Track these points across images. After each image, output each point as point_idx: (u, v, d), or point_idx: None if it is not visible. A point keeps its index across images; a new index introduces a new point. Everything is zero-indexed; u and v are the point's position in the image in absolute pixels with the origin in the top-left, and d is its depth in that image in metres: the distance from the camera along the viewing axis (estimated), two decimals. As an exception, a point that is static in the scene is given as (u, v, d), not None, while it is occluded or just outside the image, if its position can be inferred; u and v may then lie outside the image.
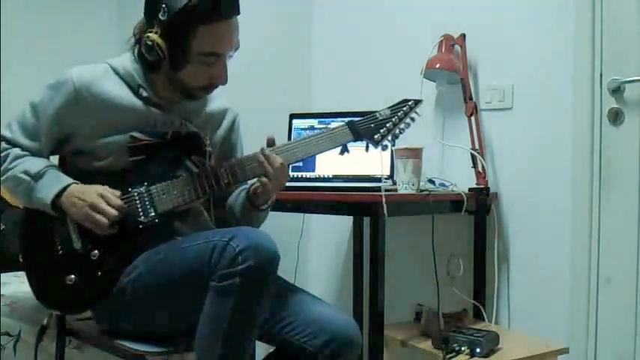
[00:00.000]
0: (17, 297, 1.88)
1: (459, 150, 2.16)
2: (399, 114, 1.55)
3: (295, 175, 2.18)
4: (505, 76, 2.14)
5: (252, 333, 1.29)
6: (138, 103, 1.47)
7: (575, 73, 1.98)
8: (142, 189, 1.43)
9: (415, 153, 1.89)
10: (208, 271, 1.26)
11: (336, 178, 2.16)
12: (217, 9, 1.37)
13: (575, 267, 1.98)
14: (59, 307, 1.50)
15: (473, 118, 2.10)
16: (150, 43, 1.39)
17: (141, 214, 1.42)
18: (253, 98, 2.38)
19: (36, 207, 1.44)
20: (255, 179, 1.49)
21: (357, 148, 1.56)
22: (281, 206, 1.80)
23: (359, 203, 1.81)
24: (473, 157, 2.10)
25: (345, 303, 2.50)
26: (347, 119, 1.56)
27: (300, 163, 2.13)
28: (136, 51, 1.48)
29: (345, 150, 1.53)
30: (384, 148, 1.56)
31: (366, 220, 2.20)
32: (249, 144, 1.62)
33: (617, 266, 1.90)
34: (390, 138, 1.54)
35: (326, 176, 2.18)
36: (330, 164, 2.16)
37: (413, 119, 1.58)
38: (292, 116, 2.29)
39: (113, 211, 1.37)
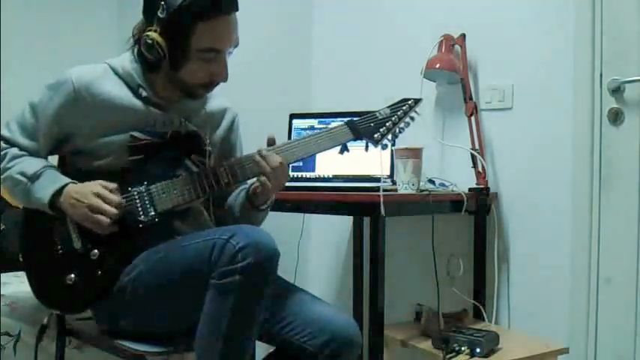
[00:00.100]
0: (17, 297, 1.88)
1: (459, 150, 2.16)
2: (399, 113, 1.55)
3: (295, 175, 2.18)
4: (505, 76, 2.14)
5: (252, 332, 1.29)
6: (137, 102, 1.47)
7: (575, 73, 1.98)
8: (142, 188, 1.43)
9: (415, 153, 1.89)
10: (208, 269, 1.26)
11: (336, 178, 2.16)
12: (216, 5, 1.37)
13: (575, 267, 1.98)
14: (59, 306, 1.50)
15: (473, 118, 2.10)
16: (150, 41, 1.39)
17: (141, 213, 1.42)
18: (253, 98, 2.38)
19: (34, 207, 1.44)
20: (255, 179, 1.49)
21: (356, 147, 1.56)
22: (281, 206, 1.80)
23: (359, 203, 1.81)
24: (473, 157, 2.10)
25: (345, 303, 2.50)
26: (347, 119, 1.56)
27: (300, 163, 2.13)
28: (135, 51, 1.48)
29: (344, 149, 1.53)
30: (384, 147, 1.56)
31: (366, 220, 2.20)
32: (249, 144, 1.62)
33: (617, 266, 1.90)
34: (389, 137, 1.55)
35: (326, 176, 2.18)
36: (330, 164, 2.16)
37: (412, 118, 1.58)
38: (292, 116, 2.29)
39: (113, 210, 1.37)
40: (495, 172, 2.15)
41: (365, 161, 2.05)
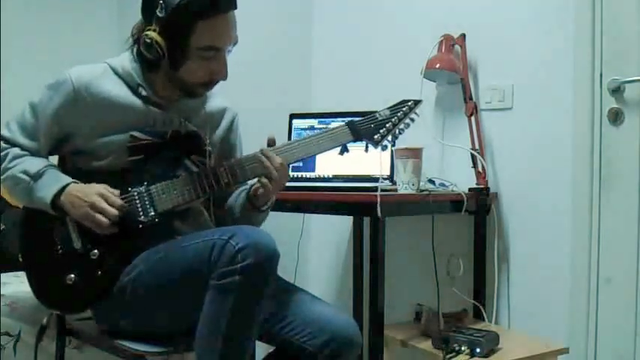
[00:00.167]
0: (17, 297, 1.88)
1: (459, 150, 2.16)
2: (399, 114, 1.55)
3: (295, 175, 2.18)
4: (505, 76, 2.14)
5: (251, 332, 1.29)
6: (137, 102, 1.47)
7: (575, 73, 1.98)
8: (142, 188, 1.43)
9: (415, 153, 1.89)
10: (208, 269, 1.26)
11: (336, 178, 2.16)
12: (215, 3, 1.37)
13: (575, 267, 1.98)
14: (59, 306, 1.50)
15: (473, 118, 2.10)
16: (149, 41, 1.39)
17: (141, 213, 1.42)
18: (253, 98, 2.38)
19: (35, 206, 1.44)
20: (256, 180, 1.49)
21: (356, 148, 1.56)
22: (281, 206, 1.80)
23: (359, 203, 1.81)
24: (473, 157, 2.10)
25: (345, 303, 2.50)
26: (347, 119, 1.56)
27: (300, 163, 2.13)
28: (134, 51, 1.48)
29: (344, 150, 1.53)
30: (384, 148, 1.56)
31: (366, 220, 2.20)
32: (249, 144, 1.62)
33: (617, 266, 1.90)
34: (389, 138, 1.54)
35: (326, 176, 2.17)
36: (330, 164, 2.16)
37: (412, 119, 1.58)
38: (292, 116, 2.29)
39: (114, 211, 1.37)
40: (495, 172, 2.15)
41: (365, 161, 2.05)
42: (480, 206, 2.06)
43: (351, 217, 2.51)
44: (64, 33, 2.96)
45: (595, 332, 1.93)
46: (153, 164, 1.47)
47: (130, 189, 1.43)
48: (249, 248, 1.24)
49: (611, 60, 1.91)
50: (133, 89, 1.47)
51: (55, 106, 1.45)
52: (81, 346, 1.72)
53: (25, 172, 1.43)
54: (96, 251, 1.40)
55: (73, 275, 1.41)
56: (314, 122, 2.26)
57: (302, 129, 2.26)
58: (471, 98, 2.11)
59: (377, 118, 1.54)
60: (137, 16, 1.47)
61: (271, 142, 1.48)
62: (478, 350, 1.64)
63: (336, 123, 1.57)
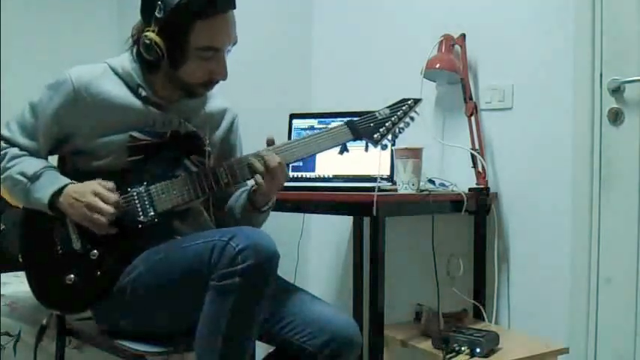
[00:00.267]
0: (17, 297, 1.88)
1: (459, 150, 2.16)
2: (399, 113, 1.55)
3: (295, 175, 2.18)
4: (505, 76, 2.14)
5: (251, 333, 1.29)
6: (137, 102, 1.47)
7: (575, 73, 1.98)
8: (142, 189, 1.43)
9: (415, 153, 1.89)
10: (208, 270, 1.26)
11: (336, 178, 2.16)
12: (213, 3, 1.37)
13: (575, 267, 1.98)
14: (59, 307, 1.50)
15: (473, 118, 2.10)
16: (148, 41, 1.39)
17: (140, 213, 1.42)
18: (253, 98, 2.38)
19: (34, 207, 1.44)
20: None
21: (356, 147, 1.56)
22: (281, 206, 1.80)
23: (358, 203, 1.81)
24: (473, 157, 2.10)
25: (345, 303, 2.50)
26: (347, 119, 1.56)
27: (300, 163, 2.13)
28: (134, 51, 1.48)
29: (344, 149, 1.53)
30: (384, 147, 1.56)
31: (366, 220, 2.20)
32: (249, 144, 1.62)
33: (617, 266, 1.90)
34: (389, 137, 1.54)
35: (326, 176, 2.17)
36: (330, 164, 2.16)
37: (412, 118, 1.57)
38: (292, 116, 2.29)
39: (110, 209, 1.36)
40: (495, 172, 2.15)
41: (365, 161, 2.05)
42: (480, 206, 2.05)
43: (351, 217, 2.51)
44: (64, 33, 2.96)
45: (595, 332, 1.93)
46: (152, 164, 1.46)
47: (129, 189, 1.43)
48: (249, 250, 1.24)
49: (611, 60, 1.91)
50: (133, 89, 1.47)
51: (55, 106, 1.45)
52: (81, 346, 1.72)
53: (23, 174, 1.43)
54: (95, 251, 1.40)
55: (72, 275, 1.41)
56: (314, 122, 2.26)
57: (302, 129, 2.26)
58: (471, 98, 2.11)
59: (376, 117, 1.54)
60: (137, 17, 1.47)
61: (270, 143, 1.47)
62: (478, 350, 1.64)
63: (336, 123, 1.56)
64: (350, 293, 2.49)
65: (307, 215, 2.53)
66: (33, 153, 1.49)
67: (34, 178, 1.42)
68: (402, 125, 1.55)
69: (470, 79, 2.15)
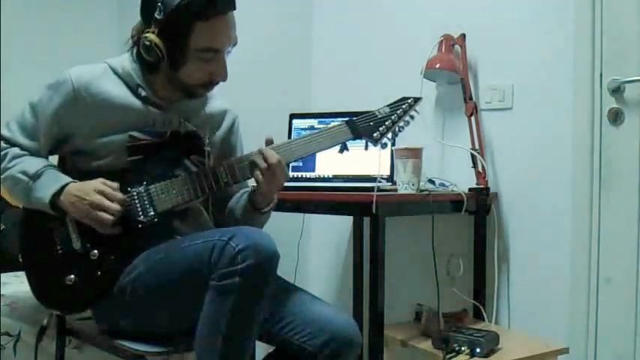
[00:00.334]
0: (17, 297, 1.88)
1: (459, 150, 2.16)
2: (399, 112, 1.54)
3: (295, 175, 2.18)
4: (505, 76, 2.14)
5: (251, 332, 1.29)
6: (136, 102, 1.47)
7: (575, 73, 1.98)
8: (141, 188, 1.43)
9: (415, 153, 1.89)
10: (208, 270, 1.26)
11: (336, 178, 2.16)
12: (213, 4, 1.37)
13: (575, 267, 1.97)
14: (59, 307, 1.50)
15: (473, 118, 2.10)
16: (148, 43, 1.39)
17: (140, 213, 1.42)
18: (253, 98, 2.38)
19: (35, 207, 1.44)
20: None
21: (356, 147, 1.56)
22: (281, 206, 1.79)
23: (358, 203, 1.81)
24: (473, 157, 2.10)
25: (345, 303, 2.50)
26: (346, 119, 1.56)
27: (300, 163, 2.13)
28: (134, 52, 1.48)
29: (344, 148, 1.53)
30: (384, 146, 1.55)
31: (366, 220, 2.20)
32: (249, 144, 1.62)
33: (617, 266, 1.90)
34: (389, 136, 1.54)
35: (326, 176, 2.17)
36: (330, 164, 2.16)
37: (412, 117, 1.57)
38: (292, 116, 2.29)
39: (115, 206, 1.37)
40: (495, 172, 2.15)
41: (365, 161, 2.05)
42: (480, 206, 2.05)
43: (351, 217, 2.51)
44: (64, 33, 2.96)
45: (595, 332, 1.93)
46: (152, 164, 1.46)
47: (129, 189, 1.43)
48: (249, 250, 1.24)
49: (611, 60, 1.91)
50: (133, 89, 1.47)
51: (55, 105, 1.45)
52: (81, 346, 1.72)
53: (24, 173, 1.43)
54: (96, 251, 1.40)
55: (72, 275, 1.41)
56: (314, 122, 2.26)
57: (302, 129, 2.26)
58: (471, 98, 2.11)
59: (376, 115, 1.54)
60: (137, 17, 1.47)
61: (269, 143, 1.47)
62: (478, 350, 1.64)
63: (336, 122, 1.56)
64: (350, 293, 2.49)
65: (307, 215, 2.53)
66: (33, 153, 1.49)
67: (35, 177, 1.42)
68: (402, 124, 1.54)
69: (470, 79, 2.15)
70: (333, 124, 1.55)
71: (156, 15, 1.37)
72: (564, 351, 1.78)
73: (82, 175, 1.44)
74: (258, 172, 1.42)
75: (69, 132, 1.47)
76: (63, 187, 1.41)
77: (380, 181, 1.90)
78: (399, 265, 2.31)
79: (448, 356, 1.64)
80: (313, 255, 2.68)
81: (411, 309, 2.03)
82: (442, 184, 2.07)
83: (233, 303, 1.23)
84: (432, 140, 2.20)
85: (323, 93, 2.65)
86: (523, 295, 2.09)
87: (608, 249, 1.91)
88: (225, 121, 1.64)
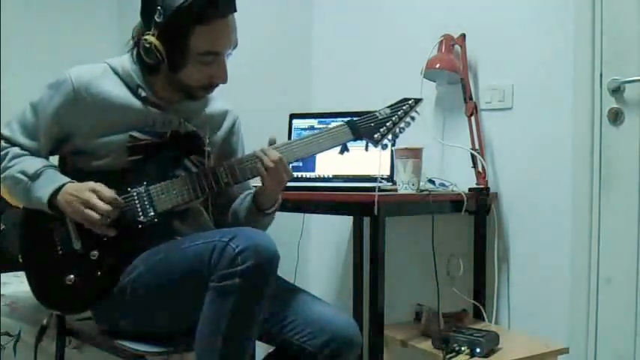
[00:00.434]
0: (17, 297, 1.88)
1: (459, 150, 2.16)
2: (399, 113, 1.55)
3: (295, 175, 2.17)
4: (505, 76, 2.14)
5: (252, 333, 1.29)
6: (136, 102, 1.47)
7: (575, 73, 1.98)
8: (141, 189, 1.43)
9: (415, 153, 1.89)
10: (208, 271, 1.26)
11: (336, 178, 2.16)
12: (213, 7, 1.36)
13: (575, 267, 1.97)
14: (59, 307, 1.50)
15: (473, 118, 2.10)
16: (148, 45, 1.38)
17: (140, 213, 1.42)
18: (253, 98, 2.38)
19: (34, 207, 1.44)
20: (260, 184, 1.49)
21: (357, 147, 1.56)
22: (281, 206, 1.79)
23: (358, 203, 1.81)
24: (473, 157, 2.10)
25: (345, 303, 2.50)
26: (347, 119, 1.56)
27: (300, 163, 2.13)
28: (134, 53, 1.48)
29: (344, 149, 1.53)
30: (384, 147, 1.56)
31: (366, 220, 2.20)
32: (250, 144, 1.62)
33: (617, 266, 1.90)
34: (389, 137, 1.54)
35: (326, 176, 2.17)
36: (330, 164, 2.16)
37: (413, 118, 1.57)
38: (292, 116, 2.29)
39: (105, 206, 1.36)
40: (495, 172, 2.15)
41: (365, 161, 2.05)
42: (480, 206, 2.05)
43: (351, 217, 2.51)
44: (64, 33, 2.96)
45: (595, 332, 1.93)
46: (152, 164, 1.46)
47: (129, 189, 1.43)
48: (249, 251, 1.24)
49: (611, 60, 1.91)
50: (133, 90, 1.47)
51: (55, 105, 1.45)
52: (81, 346, 1.72)
53: (24, 172, 1.43)
54: (95, 252, 1.40)
55: (72, 276, 1.41)
56: (314, 122, 2.26)
57: (302, 129, 2.26)
58: (471, 98, 2.11)
59: (377, 116, 1.54)
60: (137, 17, 1.47)
61: (272, 143, 1.47)
62: (478, 350, 1.64)
63: (336, 123, 1.56)
64: (350, 293, 2.49)
65: (307, 215, 2.53)
66: (34, 153, 1.49)
67: (34, 176, 1.42)
68: (402, 125, 1.55)
69: (470, 79, 2.15)
70: (333, 124, 1.55)
71: (156, 18, 1.37)
72: (564, 351, 1.78)
73: (82, 175, 1.44)
74: (261, 168, 1.42)
75: (69, 132, 1.47)
76: (61, 187, 1.41)
77: (380, 181, 1.90)
78: (399, 265, 2.31)
79: (448, 356, 1.64)
80: (313, 255, 2.68)
81: (411, 309, 2.03)
82: (442, 184, 2.07)
83: (233, 304, 1.23)
84: (432, 140, 2.20)
85: (323, 93, 2.65)
86: (523, 295, 2.09)
87: (608, 249, 1.91)
88: (226, 121, 1.64)
